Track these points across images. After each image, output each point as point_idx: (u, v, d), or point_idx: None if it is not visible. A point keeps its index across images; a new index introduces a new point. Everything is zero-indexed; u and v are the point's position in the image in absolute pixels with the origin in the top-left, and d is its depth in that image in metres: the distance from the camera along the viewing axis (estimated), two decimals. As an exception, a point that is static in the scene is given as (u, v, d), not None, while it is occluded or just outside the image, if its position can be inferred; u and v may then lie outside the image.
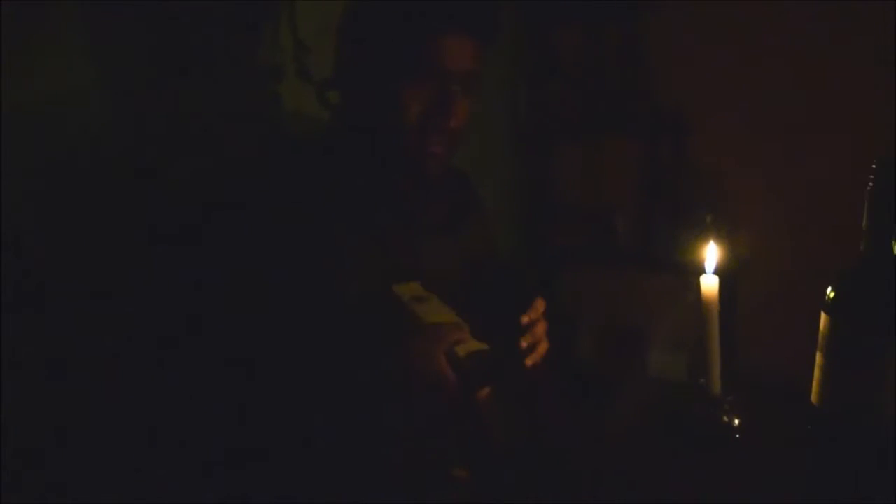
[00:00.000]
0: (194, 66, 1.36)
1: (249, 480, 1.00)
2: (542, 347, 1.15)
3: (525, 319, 1.12)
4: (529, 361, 1.12)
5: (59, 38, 1.18)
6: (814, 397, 0.93)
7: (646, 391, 1.05)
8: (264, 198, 1.10)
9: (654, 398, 1.18)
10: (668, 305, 1.24)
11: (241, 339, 1.04)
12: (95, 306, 1.20)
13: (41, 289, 1.13)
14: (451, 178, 1.30)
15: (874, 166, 0.86)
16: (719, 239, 1.14)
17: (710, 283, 1.06)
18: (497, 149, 2.52)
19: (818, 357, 0.92)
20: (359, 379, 1.02)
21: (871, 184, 0.87)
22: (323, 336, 1.04)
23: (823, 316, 0.91)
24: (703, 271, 1.08)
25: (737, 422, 1.10)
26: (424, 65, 1.10)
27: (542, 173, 2.83)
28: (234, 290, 1.05)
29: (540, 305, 1.15)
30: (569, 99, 2.69)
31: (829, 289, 0.91)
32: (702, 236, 1.14)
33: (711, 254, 1.09)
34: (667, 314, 1.11)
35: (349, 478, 1.00)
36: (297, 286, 1.05)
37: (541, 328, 1.15)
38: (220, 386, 1.04)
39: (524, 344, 1.12)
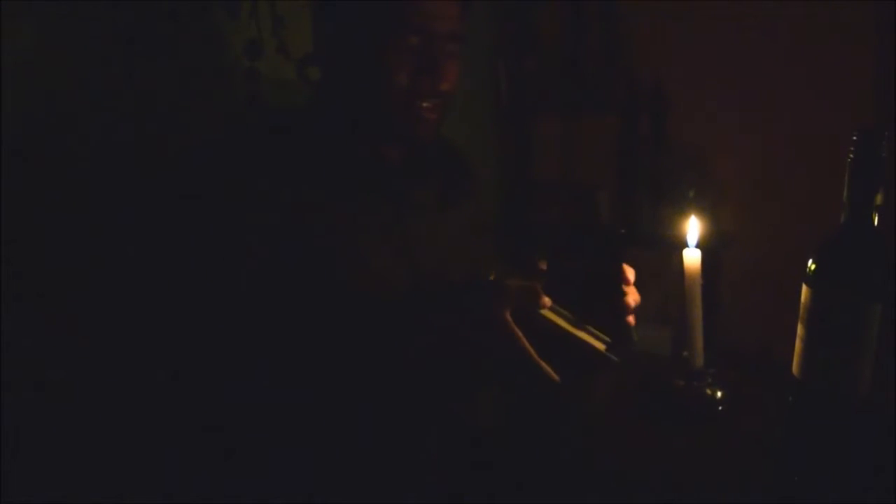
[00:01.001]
0: (170, 44, 1.35)
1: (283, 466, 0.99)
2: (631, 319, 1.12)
3: (631, 302, 1.09)
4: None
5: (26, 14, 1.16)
6: (794, 369, 0.95)
7: (629, 365, 1.06)
8: (244, 176, 1.07)
9: (638, 371, 1.18)
10: (650, 281, 1.25)
11: (232, 321, 1.03)
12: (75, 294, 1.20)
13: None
14: (442, 151, 1.29)
15: (854, 138, 0.88)
16: (701, 213, 1.16)
17: (692, 257, 1.08)
18: (476, 124, 2.51)
19: (799, 328, 0.93)
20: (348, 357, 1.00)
21: (851, 155, 0.88)
22: (310, 316, 1.04)
23: (805, 288, 0.92)
24: (685, 245, 1.09)
25: (719, 394, 1.12)
26: (410, 28, 1.08)
27: (523, 148, 2.83)
28: (217, 271, 1.04)
29: (630, 275, 1.11)
30: (548, 74, 2.69)
31: (810, 261, 0.92)
32: (684, 211, 1.15)
33: (693, 228, 1.10)
34: (650, 289, 1.12)
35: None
36: (282, 266, 1.05)
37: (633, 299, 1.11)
38: (223, 375, 1.01)
39: (632, 322, 1.09)
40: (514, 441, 1.09)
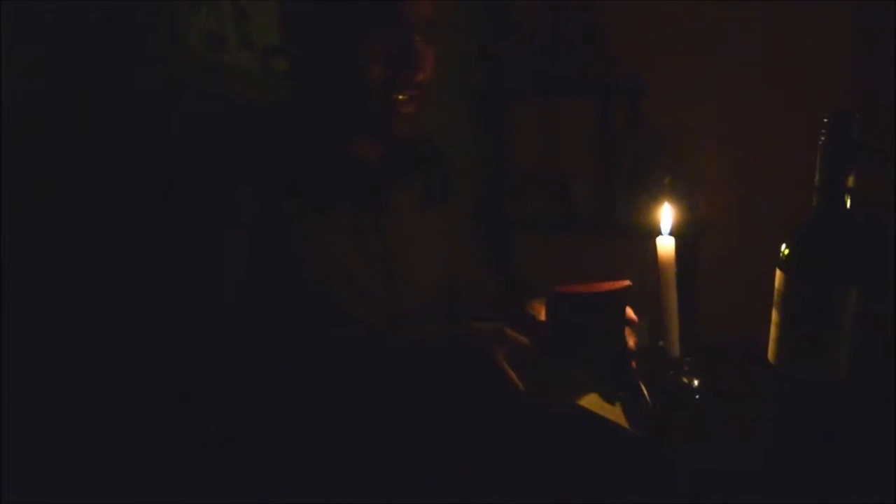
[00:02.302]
0: (130, 37, 1.33)
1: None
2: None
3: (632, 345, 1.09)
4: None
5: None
6: (770, 355, 0.96)
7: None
8: (209, 180, 1.06)
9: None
10: (626, 269, 1.25)
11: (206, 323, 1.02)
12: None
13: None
14: (423, 149, 1.27)
15: (825, 121, 0.88)
16: (677, 200, 1.16)
17: (666, 245, 1.08)
18: (448, 111, 2.51)
19: (774, 314, 0.94)
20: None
21: (822, 138, 0.89)
22: (288, 319, 1.04)
23: (778, 273, 0.93)
24: (659, 233, 1.10)
25: (696, 383, 1.13)
26: (383, 17, 1.05)
27: (498, 137, 2.83)
28: (186, 279, 1.03)
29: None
30: (523, 60, 2.69)
31: (784, 246, 0.93)
32: (659, 199, 1.15)
33: (667, 215, 1.10)
34: (626, 278, 1.13)
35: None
36: (253, 274, 1.04)
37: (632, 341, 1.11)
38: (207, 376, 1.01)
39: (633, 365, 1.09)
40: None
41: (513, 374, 0.92)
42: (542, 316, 1.13)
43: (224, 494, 0.96)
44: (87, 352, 1.21)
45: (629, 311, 1.09)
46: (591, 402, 0.98)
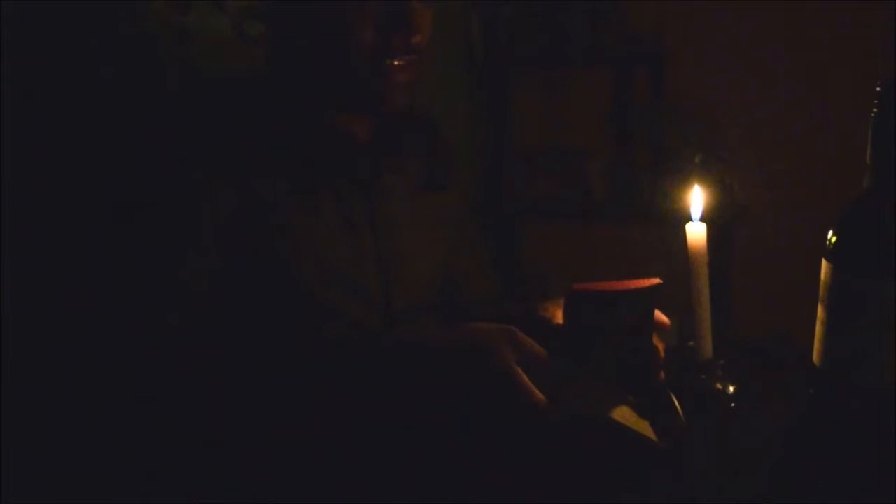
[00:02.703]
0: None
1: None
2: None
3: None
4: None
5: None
6: (815, 357, 0.96)
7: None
8: (182, 165, 1.06)
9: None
10: (651, 261, 1.26)
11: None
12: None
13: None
14: (418, 127, 1.27)
15: (878, 90, 0.89)
16: (708, 182, 1.16)
17: (697, 232, 1.09)
18: (447, 85, 2.51)
19: (819, 310, 0.94)
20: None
21: (874, 111, 0.89)
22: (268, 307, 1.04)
23: (825, 263, 0.93)
24: (689, 219, 1.10)
25: (731, 388, 1.14)
26: None
27: (501, 112, 2.83)
28: (165, 271, 1.03)
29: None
30: (529, 24, 2.69)
31: (831, 232, 0.93)
32: (688, 180, 1.16)
33: (698, 198, 1.11)
34: (650, 271, 1.13)
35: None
36: (236, 266, 1.05)
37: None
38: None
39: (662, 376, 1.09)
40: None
41: (528, 383, 0.91)
42: (557, 319, 1.14)
43: (220, 495, 0.97)
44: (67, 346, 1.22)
45: (659, 314, 1.08)
46: (617, 413, 0.98)
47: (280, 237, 1.07)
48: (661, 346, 1.10)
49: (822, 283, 0.94)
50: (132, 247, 1.05)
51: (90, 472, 1.07)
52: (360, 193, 1.16)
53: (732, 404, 1.13)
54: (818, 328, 0.95)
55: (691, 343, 1.13)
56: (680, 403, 1.05)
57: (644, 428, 0.99)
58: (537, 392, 0.91)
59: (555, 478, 0.98)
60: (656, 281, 1.06)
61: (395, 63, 1.08)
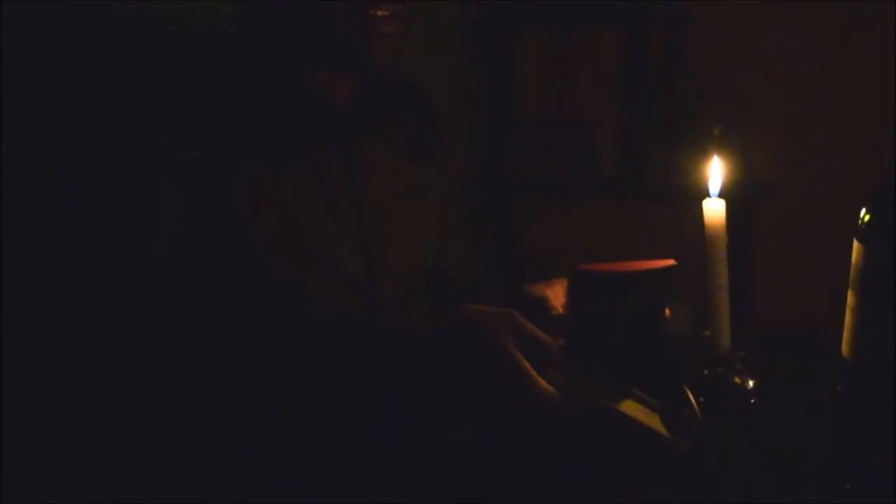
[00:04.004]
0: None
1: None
2: None
3: None
4: None
5: None
6: (844, 349, 0.96)
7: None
8: (139, 123, 1.05)
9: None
10: (664, 242, 1.26)
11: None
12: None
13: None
14: (402, 92, 1.26)
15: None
16: (728, 155, 1.16)
17: (715, 210, 1.08)
18: (441, 46, 2.50)
19: (850, 297, 0.94)
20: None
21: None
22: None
23: (856, 245, 0.93)
24: (706, 195, 1.10)
25: (751, 383, 1.14)
26: None
27: (500, 77, 2.83)
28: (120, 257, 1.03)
29: None
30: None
31: (864, 211, 0.93)
32: (707, 154, 1.15)
33: (716, 172, 1.10)
34: (663, 253, 1.13)
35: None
36: (201, 249, 1.04)
37: None
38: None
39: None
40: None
41: (530, 369, 0.90)
42: (557, 302, 1.13)
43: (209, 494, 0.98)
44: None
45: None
46: (625, 407, 0.98)
47: (246, 209, 1.06)
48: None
49: (853, 266, 0.94)
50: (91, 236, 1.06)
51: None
52: (339, 165, 1.15)
53: (753, 401, 1.13)
54: (848, 317, 0.95)
55: (707, 332, 1.13)
56: (696, 400, 1.05)
57: (655, 424, 0.98)
58: (540, 380, 0.90)
59: (561, 475, 0.98)
60: (670, 262, 1.06)
61: (379, 13, 1.07)
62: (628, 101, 2.71)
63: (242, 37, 1.14)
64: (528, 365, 0.90)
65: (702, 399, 1.08)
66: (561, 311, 1.12)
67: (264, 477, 0.99)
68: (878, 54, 1.81)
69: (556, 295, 1.14)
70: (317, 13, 1.08)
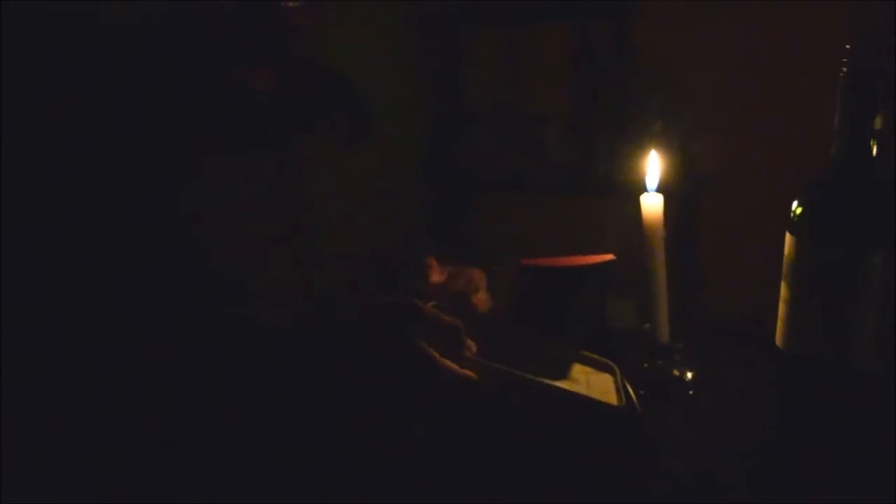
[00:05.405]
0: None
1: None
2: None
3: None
4: None
5: None
6: (778, 339, 0.98)
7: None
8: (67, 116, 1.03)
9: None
10: (608, 236, 1.27)
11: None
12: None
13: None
14: (325, 81, 1.26)
15: (848, 47, 0.90)
16: (672, 150, 1.17)
17: (652, 204, 1.09)
18: (391, 39, 2.49)
19: (783, 288, 0.96)
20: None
21: (843, 69, 0.90)
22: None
23: (788, 237, 0.95)
24: (644, 189, 1.11)
25: (689, 375, 1.15)
26: None
27: (448, 70, 2.82)
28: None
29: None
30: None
31: (795, 203, 0.95)
32: (649, 148, 1.16)
33: (654, 166, 1.11)
34: (609, 247, 1.14)
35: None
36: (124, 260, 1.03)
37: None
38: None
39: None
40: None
41: (437, 356, 0.91)
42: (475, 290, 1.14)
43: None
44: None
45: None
46: (572, 374, 1.00)
47: (174, 200, 1.06)
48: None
49: (785, 258, 0.95)
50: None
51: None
52: (270, 160, 1.14)
53: (691, 392, 1.14)
54: (781, 308, 0.97)
55: (647, 325, 1.14)
56: (635, 392, 1.06)
57: (604, 387, 1.00)
58: (446, 363, 0.91)
59: (498, 455, 0.98)
60: (609, 257, 1.07)
61: (290, 3, 1.07)
62: (575, 96, 2.72)
63: (172, 31, 1.13)
64: (432, 352, 0.91)
65: (642, 391, 1.09)
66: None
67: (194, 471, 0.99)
68: (815, 51, 1.84)
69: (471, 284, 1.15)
70: (229, 8, 1.08)
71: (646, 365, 1.15)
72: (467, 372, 0.91)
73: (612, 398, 1.00)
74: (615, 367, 1.06)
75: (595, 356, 1.05)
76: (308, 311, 1.07)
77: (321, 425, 0.96)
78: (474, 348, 0.96)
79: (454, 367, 0.91)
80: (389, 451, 0.98)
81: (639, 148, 1.60)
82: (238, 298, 1.09)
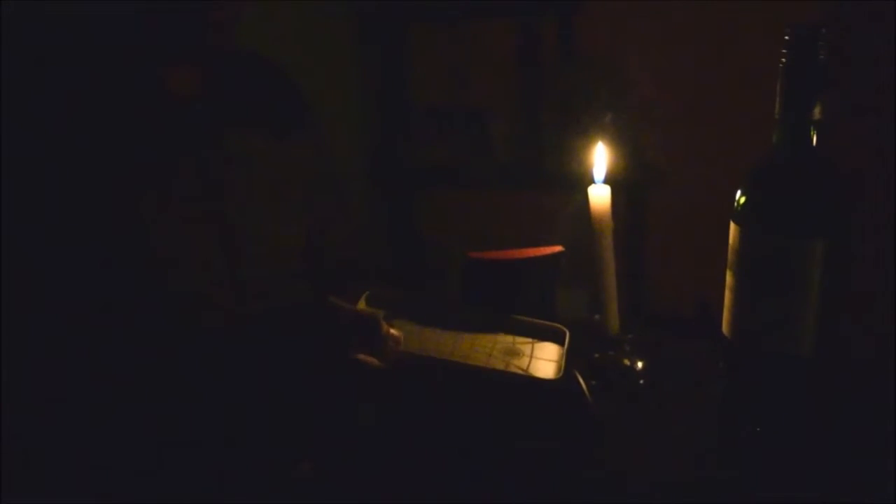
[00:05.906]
0: None
1: None
2: None
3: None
4: None
5: None
6: (724, 327, 0.99)
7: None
8: None
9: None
10: (558, 229, 1.28)
11: None
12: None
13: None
14: (252, 71, 1.24)
15: (787, 38, 0.91)
16: (620, 143, 1.18)
17: (600, 195, 1.10)
18: (330, 33, 2.48)
19: (728, 277, 0.97)
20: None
21: (783, 60, 0.91)
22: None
23: (732, 226, 0.96)
24: (592, 181, 1.12)
25: (640, 364, 1.16)
26: None
27: (395, 66, 2.82)
28: None
29: None
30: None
31: (739, 193, 0.96)
32: (596, 140, 1.17)
33: (601, 158, 1.12)
34: (560, 240, 1.15)
35: None
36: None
37: None
38: None
39: None
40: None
41: (345, 348, 0.96)
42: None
43: None
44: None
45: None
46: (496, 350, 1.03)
47: (105, 203, 1.05)
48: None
49: (730, 247, 0.96)
50: None
51: None
52: (195, 164, 1.13)
53: (641, 381, 1.15)
54: (727, 296, 0.98)
55: (598, 317, 1.15)
56: (586, 382, 1.07)
57: (543, 362, 1.03)
58: (365, 357, 0.96)
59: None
60: (557, 249, 1.08)
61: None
62: (520, 90, 2.73)
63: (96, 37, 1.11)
64: (342, 344, 0.96)
65: (593, 381, 1.11)
66: None
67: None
68: (762, 43, 1.86)
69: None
70: (143, 7, 1.06)
71: (597, 355, 1.16)
72: (372, 359, 0.96)
73: (551, 370, 1.03)
74: (566, 331, 1.08)
75: (546, 323, 1.08)
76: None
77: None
78: (401, 338, 1.00)
79: (369, 359, 0.96)
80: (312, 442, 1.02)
81: (586, 140, 1.61)
82: (179, 299, 1.09)
